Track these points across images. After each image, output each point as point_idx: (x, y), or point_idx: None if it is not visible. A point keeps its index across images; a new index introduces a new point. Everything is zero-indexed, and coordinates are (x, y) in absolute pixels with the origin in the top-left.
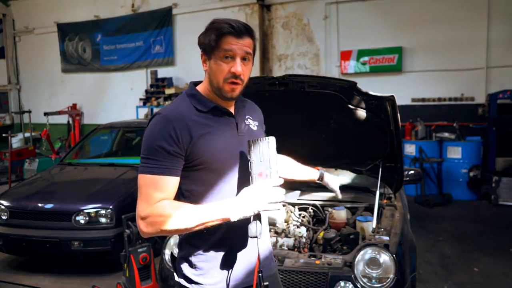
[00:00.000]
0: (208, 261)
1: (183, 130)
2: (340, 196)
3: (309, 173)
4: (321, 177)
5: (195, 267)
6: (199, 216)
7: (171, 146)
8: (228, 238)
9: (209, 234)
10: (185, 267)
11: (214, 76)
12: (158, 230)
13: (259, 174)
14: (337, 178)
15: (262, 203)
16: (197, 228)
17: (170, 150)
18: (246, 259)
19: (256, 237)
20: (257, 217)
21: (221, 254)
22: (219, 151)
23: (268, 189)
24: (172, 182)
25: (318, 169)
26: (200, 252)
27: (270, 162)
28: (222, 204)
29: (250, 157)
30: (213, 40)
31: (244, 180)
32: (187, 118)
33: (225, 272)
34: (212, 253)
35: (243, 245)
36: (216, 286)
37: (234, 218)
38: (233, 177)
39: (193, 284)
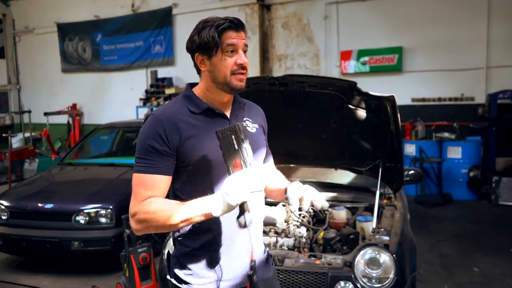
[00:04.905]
0: (197, 262)
1: (173, 130)
2: (326, 205)
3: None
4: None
5: (185, 267)
6: (182, 212)
7: (161, 146)
8: (218, 239)
9: (198, 234)
10: (176, 266)
11: (220, 72)
12: (146, 227)
13: (235, 165)
14: (313, 190)
15: (241, 193)
16: (181, 225)
17: (160, 149)
18: (238, 261)
19: (246, 226)
20: (243, 208)
21: (211, 255)
22: (208, 152)
23: (245, 179)
24: (161, 181)
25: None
26: (190, 252)
27: (242, 151)
28: (204, 200)
29: (222, 149)
30: (215, 37)
31: None
32: (178, 118)
33: (215, 273)
34: (201, 253)
35: (234, 247)
36: (206, 287)
37: (216, 212)
38: (224, 177)
39: (183, 284)
